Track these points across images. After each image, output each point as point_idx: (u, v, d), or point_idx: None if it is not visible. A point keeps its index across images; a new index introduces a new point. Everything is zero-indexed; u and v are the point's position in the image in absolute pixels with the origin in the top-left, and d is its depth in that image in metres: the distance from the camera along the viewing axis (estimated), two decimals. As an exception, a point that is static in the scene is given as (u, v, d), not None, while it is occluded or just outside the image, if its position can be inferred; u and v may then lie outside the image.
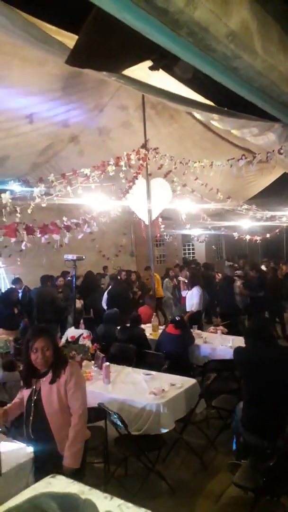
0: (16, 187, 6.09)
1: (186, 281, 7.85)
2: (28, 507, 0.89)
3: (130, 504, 0.99)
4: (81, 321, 7.10)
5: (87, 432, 2.59)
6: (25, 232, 4.36)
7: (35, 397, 2.51)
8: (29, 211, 5.10)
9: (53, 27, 3.07)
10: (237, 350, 3.33)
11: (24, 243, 4.48)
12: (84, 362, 4.29)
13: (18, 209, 4.82)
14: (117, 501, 1.01)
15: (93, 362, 4.38)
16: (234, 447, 3.40)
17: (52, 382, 2.49)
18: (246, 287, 8.05)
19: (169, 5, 1.29)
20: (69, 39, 2.90)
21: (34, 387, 2.53)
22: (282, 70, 2.06)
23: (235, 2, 1.58)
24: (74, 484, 1.10)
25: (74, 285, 5.39)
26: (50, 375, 2.51)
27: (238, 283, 7.98)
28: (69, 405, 2.50)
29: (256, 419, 3.01)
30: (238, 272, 9.06)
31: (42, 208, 4.96)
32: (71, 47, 2.26)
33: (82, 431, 2.48)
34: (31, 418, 2.50)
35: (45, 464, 2.36)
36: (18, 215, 4.75)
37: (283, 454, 2.65)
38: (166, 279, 9.94)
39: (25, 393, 2.58)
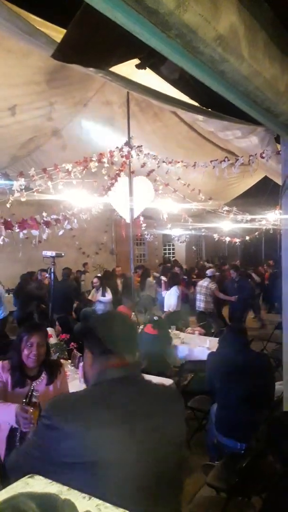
0: (-5, 180, 5.98)
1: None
2: (6, 507, 0.87)
3: (108, 504, 0.99)
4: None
5: None
6: (3, 227, 4.28)
7: (29, 400, 2.27)
8: (8, 205, 5.01)
9: (39, 19, 3.02)
10: (211, 354, 3.39)
11: (1, 237, 4.40)
12: (61, 361, 4.25)
13: (-4, 202, 4.74)
14: (95, 501, 1.01)
15: (69, 361, 4.35)
16: (209, 448, 3.45)
17: (49, 383, 2.41)
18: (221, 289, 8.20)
19: (159, 6, 1.29)
20: (55, 32, 2.85)
21: (27, 390, 2.33)
22: (267, 76, 2.09)
23: (224, 7, 1.59)
24: (52, 485, 1.09)
25: (52, 282, 5.32)
26: (44, 376, 2.43)
27: (209, 283, 7.95)
28: None
29: (229, 422, 3.06)
30: (210, 271, 8.89)
31: (21, 203, 4.88)
32: (57, 40, 2.23)
33: None
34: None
35: None
36: (-4, 209, 4.67)
37: (255, 455, 2.70)
38: (149, 279, 9.92)
39: (12, 397, 2.33)
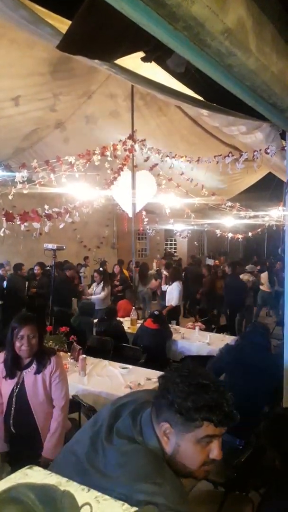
0: (-3, 171, 5.95)
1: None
2: (5, 498, 0.87)
3: (107, 496, 1.00)
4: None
5: (68, 423, 2.58)
6: (4, 219, 4.27)
7: (17, 390, 2.44)
8: (10, 197, 4.99)
9: (44, 9, 2.99)
10: (228, 348, 3.37)
11: (2, 229, 4.39)
12: (60, 354, 4.26)
13: (-2, 194, 4.72)
14: (94, 493, 1.01)
15: (69, 354, 4.36)
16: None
17: (37, 372, 2.45)
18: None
19: (167, -3, 1.27)
20: (61, 23, 2.83)
21: (17, 379, 2.46)
22: (274, 70, 2.07)
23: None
24: (51, 476, 1.09)
25: (53, 276, 5.31)
26: (34, 365, 2.47)
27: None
28: (52, 396, 2.49)
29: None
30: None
31: (23, 195, 4.86)
32: (63, 31, 2.20)
33: (63, 422, 2.48)
34: (12, 411, 2.43)
35: (22, 456, 2.32)
36: (-2, 200, 4.66)
37: (254, 450, 2.71)
38: (149, 272, 9.89)
39: (5, 386, 2.48)
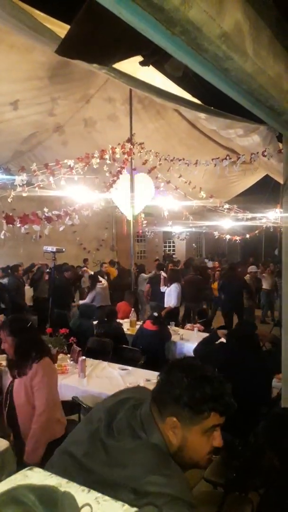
0: (-3, 174, 5.98)
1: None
2: (6, 499, 0.88)
3: (107, 497, 1.00)
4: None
5: (52, 432, 2.46)
6: (4, 221, 4.28)
7: (10, 388, 2.53)
8: (9, 200, 5.01)
9: (43, 14, 3.02)
10: (219, 346, 3.38)
11: (3, 232, 4.41)
12: (60, 355, 4.27)
13: (-3, 197, 4.74)
14: (95, 494, 1.02)
15: (69, 355, 4.36)
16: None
17: (19, 376, 2.46)
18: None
19: (164, 3, 1.28)
20: (59, 27, 2.85)
21: (12, 378, 2.56)
22: (271, 74, 2.09)
23: (229, 4, 1.58)
24: (52, 477, 1.10)
25: (53, 278, 5.32)
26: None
27: None
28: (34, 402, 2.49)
29: (229, 417, 3.07)
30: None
31: (22, 198, 4.88)
32: (61, 35, 2.22)
33: (40, 430, 2.39)
34: (6, 408, 2.53)
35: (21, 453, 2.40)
36: (-3, 203, 4.68)
37: (253, 451, 2.72)
38: (142, 274, 9.92)
39: (6, 381, 2.63)
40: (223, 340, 3.58)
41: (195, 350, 3.56)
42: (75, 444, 1.21)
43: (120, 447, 1.10)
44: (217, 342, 3.58)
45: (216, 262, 13.72)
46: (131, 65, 3.23)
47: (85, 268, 9.35)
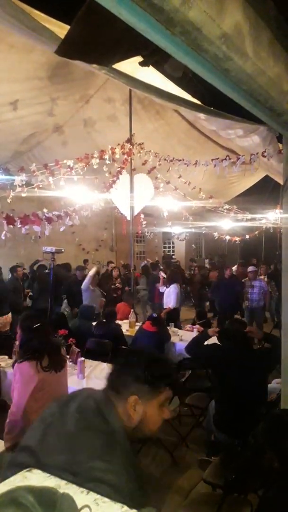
0: (-4, 175, 5.97)
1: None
2: (5, 500, 0.87)
3: (106, 499, 1.00)
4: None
5: (6, 443, 2.44)
6: (5, 222, 4.28)
7: None
8: (8, 200, 5.00)
9: (43, 15, 3.01)
10: (214, 348, 3.38)
11: (4, 233, 4.40)
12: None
13: (-4, 198, 4.74)
14: (93, 495, 1.01)
15: (68, 356, 4.35)
16: (206, 445, 3.46)
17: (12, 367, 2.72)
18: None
19: (164, 3, 1.28)
20: (59, 28, 2.85)
21: None
22: (271, 75, 2.09)
23: (229, 4, 1.58)
24: (50, 478, 1.09)
25: (52, 279, 5.31)
26: None
27: None
28: None
29: (227, 418, 3.07)
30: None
31: (21, 198, 4.87)
32: (61, 36, 2.22)
33: (7, 428, 2.45)
34: None
35: None
36: (-3, 204, 4.67)
37: (252, 452, 2.71)
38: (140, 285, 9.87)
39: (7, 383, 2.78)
40: (214, 339, 3.59)
41: (187, 348, 3.57)
42: (30, 439, 1.24)
43: (69, 433, 1.17)
44: (208, 342, 3.59)
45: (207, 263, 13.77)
46: (131, 66, 3.24)
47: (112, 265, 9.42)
